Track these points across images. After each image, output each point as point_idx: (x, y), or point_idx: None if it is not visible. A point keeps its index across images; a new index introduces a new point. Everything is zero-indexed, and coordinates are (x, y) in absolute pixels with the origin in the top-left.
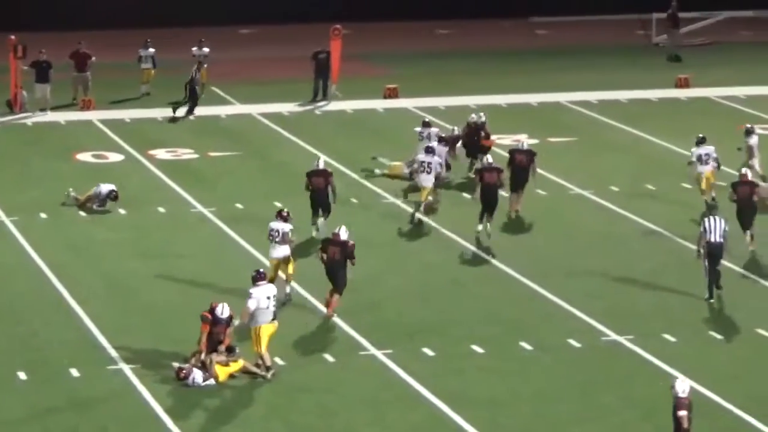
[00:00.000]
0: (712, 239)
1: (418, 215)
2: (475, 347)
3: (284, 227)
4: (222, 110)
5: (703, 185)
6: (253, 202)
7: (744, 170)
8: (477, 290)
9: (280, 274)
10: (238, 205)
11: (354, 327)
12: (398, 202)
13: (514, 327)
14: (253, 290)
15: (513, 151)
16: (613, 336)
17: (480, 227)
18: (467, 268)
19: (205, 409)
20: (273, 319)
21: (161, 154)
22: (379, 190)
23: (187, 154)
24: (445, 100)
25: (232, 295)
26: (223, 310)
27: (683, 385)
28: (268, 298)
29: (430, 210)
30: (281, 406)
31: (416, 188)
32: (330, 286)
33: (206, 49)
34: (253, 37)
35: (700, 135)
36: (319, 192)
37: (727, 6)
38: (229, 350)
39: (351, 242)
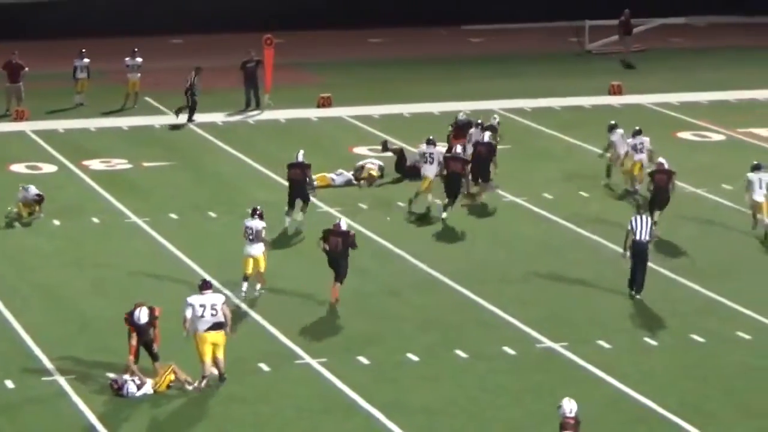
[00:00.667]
0: (638, 238)
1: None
2: (410, 355)
3: (258, 225)
4: (155, 120)
5: (636, 171)
6: (187, 211)
7: (660, 159)
8: (412, 298)
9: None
10: (173, 215)
11: (289, 336)
12: (332, 211)
13: (450, 335)
14: (190, 298)
15: (475, 144)
16: (548, 343)
17: (444, 215)
18: (402, 276)
19: (140, 419)
20: (216, 329)
21: (95, 164)
22: (314, 200)
23: (121, 164)
24: (379, 108)
25: (166, 304)
26: (141, 314)
27: (570, 405)
28: (202, 306)
29: (471, 202)
30: (216, 416)
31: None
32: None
33: (139, 59)
34: (185, 46)
35: (637, 127)
36: (296, 183)
37: (661, 14)
38: (154, 356)
39: (352, 232)
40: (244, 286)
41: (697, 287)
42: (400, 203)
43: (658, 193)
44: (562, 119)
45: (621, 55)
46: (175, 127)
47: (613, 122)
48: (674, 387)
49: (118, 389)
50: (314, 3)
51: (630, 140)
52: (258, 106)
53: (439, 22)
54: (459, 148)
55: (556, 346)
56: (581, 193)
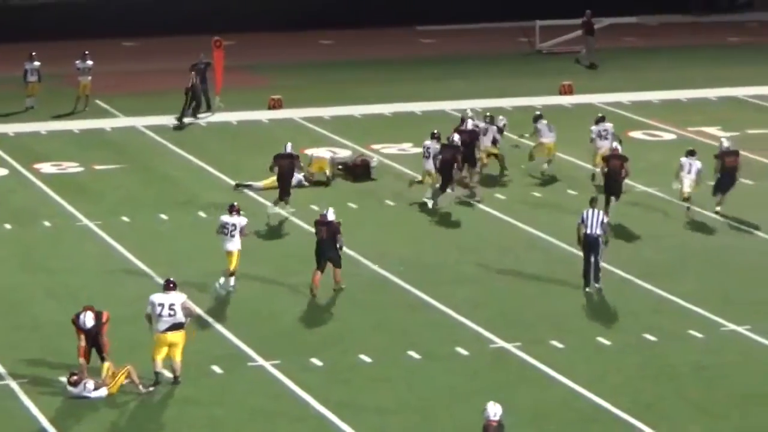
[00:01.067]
0: (590, 231)
1: (426, 200)
2: (363, 357)
3: (240, 221)
4: (106, 123)
5: (597, 159)
6: (138, 214)
7: (615, 144)
8: (365, 299)
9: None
10: (124, 218)
11: (242, 338)
12: (283, 212)
13: (402, 336)
14: (153, 296)
15: (459, 132)
16: (501, 343)
17: (430, 202)
18: (355, 277)
19: (93, 422)
20: (174, 329)
21: (46, 167)
22: (265, 201)
23: (72, 167)
24: (330, 110)
25: (119, 307)
26: (86, 318)
27: (495, 409)
28: (161, 305)
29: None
30: (171, 419)
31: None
32: (314, 265)
33: (90, 62)
34: (136, 49)
35: (600, 114)
36: (283, 174)
37: (612, 13)
38: (102, 357)
39: (338, 221)
40: (232, 281)
41: (649, 286)
42: (352, 204)
43: (610, 179)
44: (514, 119)
45: (583, 55)
46: (125, 130)
47: (538, 113)
48: (627, 386)
49: (76, 382)
50: (264, 5)
51: (593, 127)
52: (209, 109)
53: (391, 22)
54: (456, 137)
55: (509, 347)
56: (534, 193)
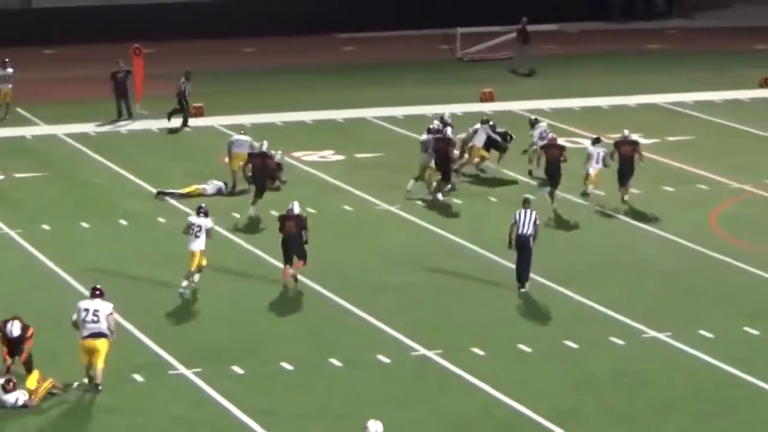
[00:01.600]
0: (521, 231)
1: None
2: (284, 365)
3: (207, 223)
4: (27, 131)
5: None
6: (59, 222)
7: (625, 131)
8: (286, 307)
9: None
10: (45, 227)
11: (162, 346)
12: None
13: (323, 344)
14: (80, 302)
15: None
16: (422, 350)
17: (439, 196)
18: (276, 284)
19: (15, 430)
20: (95, 337)
21: None
22: (186, 209)
23: None
24: (252, 117)
25: (39, 315)
26: (13, 327)
27: (375, 426)
28: (86, 310)
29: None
30: (91, 427)
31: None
32: (283, 258)
33: (10, 70)
34: (56, 57)
35: (533, 117)
36: (256, 173)
37: (532, 20)
38: (27, 368)
39: (304, 215)
40: (184, 283)
41: (570, 293)
42: (274, 212)
43: (624, 163)
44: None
45: (517, 62)
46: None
47: (489, 120)
48: (548, 393)
49: (11, 389)
50: (184, 13)
51: (533, 131)
52: (130, 116)
53: (312, 30)
54: (449, 130)
55: (431, 354)
56: (454, 200)
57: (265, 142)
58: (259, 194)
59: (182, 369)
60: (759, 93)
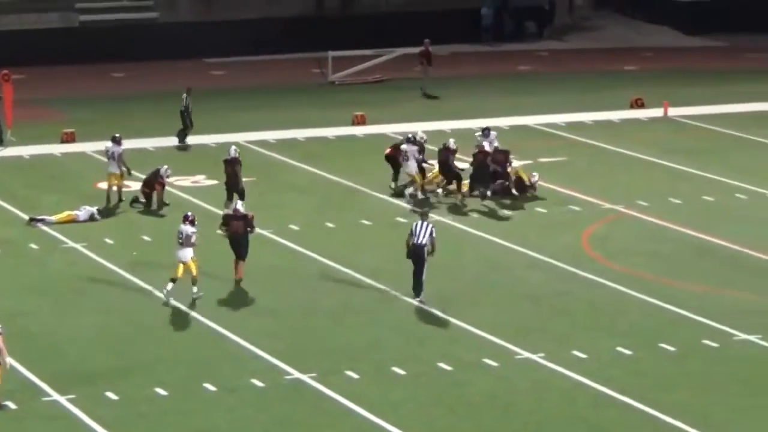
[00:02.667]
0: (416, 241)
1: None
2: (159, 390)
3: (188, 230)
4: None
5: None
6: None
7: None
8: (160, 332)
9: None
10: None
11: (35, 373)
12: (78, 246)
13: (198, 368)
14: None
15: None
16: (297, 374)
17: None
18: (148, 309)
19: None
20: None
21: None
22: (59, 236)
23: None
24: (123, 143)
25: None
26: None
27: None
28: None
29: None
30: None
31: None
32: (234, 256)
33: None
34: None
35: (485, 127)
36: (229, 178)
37: (402, 43)
38: None
39: (250, 214)
40: (169, 285)
41: (444, 316)
42: (146, 237)
43: (477, 170)
44: (307, 150)
45: (422, 82)
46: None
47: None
48: (422, 416)
49: None
50: (53, 39)
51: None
52: (1, 143)
53: (182, 55)
54: (451, 141)
55: (305, 377)
56: (327, 224)
57: (233, 147)
58: (233, 198)
59: (56, 395)
60: (630, 114)
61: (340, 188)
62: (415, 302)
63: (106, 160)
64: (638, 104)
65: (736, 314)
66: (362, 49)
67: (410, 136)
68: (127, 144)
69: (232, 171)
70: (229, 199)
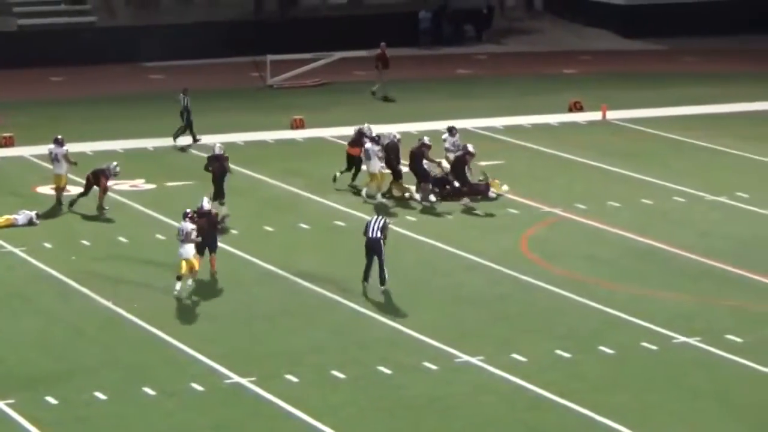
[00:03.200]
0: (371, 235)
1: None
2: (98, 394)
3: (188, 227)
4: None
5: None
6: None
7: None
8: (97, 336)
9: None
10: None
11: None
12: (17, 251)
13: (136, 372)
14: None
15: None
16: (236, 378)
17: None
18: (87, 314)
19: None
20: None
21: None
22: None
23: None
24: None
25: None
26: None
27: None
28: None
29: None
30: None
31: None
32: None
33: None
34: None
35: (450, 124)
36: (215, 176)
37: (341, 47)
38: None
39: (214, 211)
40: (177, 285)
41: (384, 319)
42: (85, 242)
43: (455, 167)
44: (247, 154)
45: (379, 87)
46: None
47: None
48: (362, 418)
49: None
50: None
51: (448, 137)
52: None
53: (120, 59)
54: (426, 139)
55: (244, 381)
56: (266, 227)
57: (217, 145)
58: (220, 196)
59: None
60: (568, 117)
61: (279, 192)
62: (354, 305)
63: (50, 163)
64: (577, 107)
65: (675, 317)
66: (301, 53)
67: (376, 136)
68: (67, 148)
69: (219, 167)
70: (215, 199)
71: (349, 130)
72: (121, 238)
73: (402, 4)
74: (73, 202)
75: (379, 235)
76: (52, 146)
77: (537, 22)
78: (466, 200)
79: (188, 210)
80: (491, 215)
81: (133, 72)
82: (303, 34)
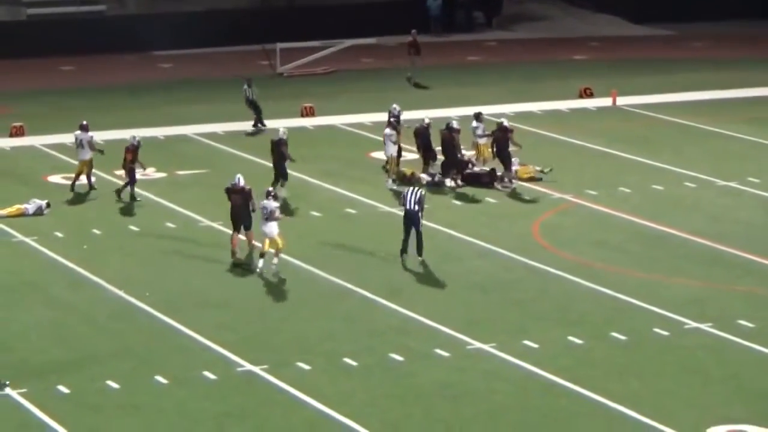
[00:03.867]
0: (409, 207)
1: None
2: (110, 383)
3: (272, 205)
4: None
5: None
6: None
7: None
8: (109, 325)
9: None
10: None
11: None
12: (28, 240)
13: (149, 361)
14: None
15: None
16: (248, 366)
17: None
18: (99, 303)
19: None
20: None
21: None
22: (9, 230)
23: None
24: (72, 136)
25: None
26: None
27: None
28: None
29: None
30: None
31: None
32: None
33: None
34: None
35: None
36: (275, 159)
37: (350, 34)
38: None
39: (248, 187)
40: (260, 262)
41: (395, 306)
42: (96, 231)
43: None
44: (256, 142)
45: (410, 72)
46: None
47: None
48: (375, 407)
49: None
50: (1, 33)
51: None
52: None
53: (129, 48)
54: (454, 122)
55: (257, 369)
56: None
57: (282, 130)
58: (283, 177)
59: (7, 390)
60: (578, 103)
61: (289, 180)
62: (366, 292)
63: (75, 149)
64: (587, 94)
65: (687, 303)
66: (310, 40)
67: (391, 119)
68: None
69: (278, 152)
70: (276, 180)
71: (359, 118)
72: (132, 227)
73: None
74: (119, 191)
75: (416, 207)
76: (78, 132)
77: (547, 8)
78: (502, 184)
79: (270, 188)
80: (502, 202)
81: (143, 61)
82: (312, 21)
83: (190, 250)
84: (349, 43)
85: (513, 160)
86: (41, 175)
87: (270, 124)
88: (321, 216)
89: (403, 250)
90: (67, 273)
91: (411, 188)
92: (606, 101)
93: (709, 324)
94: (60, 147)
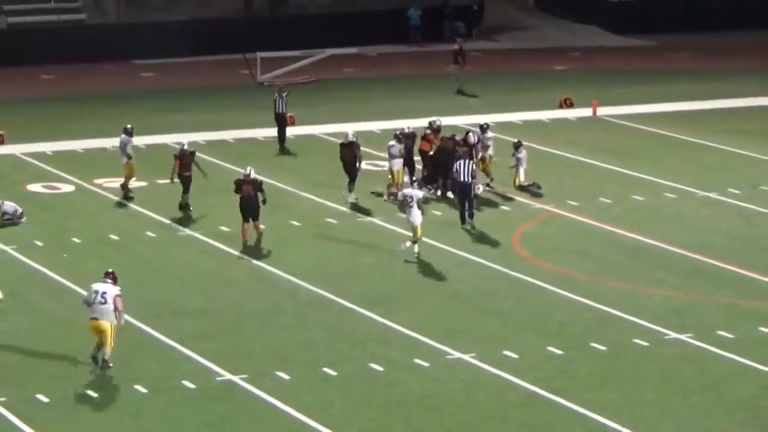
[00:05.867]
0: (463, 179)
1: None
2: (89, 392)
3: (418, 194)
4: None
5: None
6: None
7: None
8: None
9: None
10: None
11: None
12: (8, 249)
13: (127, 369)
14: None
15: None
16: (228, 375)
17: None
18: (78, 311)
19: None
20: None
21: None
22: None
23: None
24: (53, 145)
25: None
26: None
27: None
28: (96, 292)
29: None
30: None
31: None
32: (241, 218)
33: None
34: None
35: (484, 123)
36: (347, 161)
37: (331, 44)
38: None
39: (259, 179)
40: (416, 247)
41: (375, 316)
42: (76, 239)
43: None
44: (238, 151)
45: (457, 82)
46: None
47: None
48: (354, 416)
49: None
50: None
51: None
52: None
53: (110, 57)
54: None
55: (236, 378)
56: (260, 225)
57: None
58: (353, 181)
59: None
60: (558, 113)
61: (269, 189)
62: (345, 302)
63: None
64: (567, 104)
65: (667, 313)
66: (290, 50)
67: (397, 132)
68: (58, 146)
69: (350, 154)
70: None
71: (341, 127)
72: (112, 236)
73: (391, 1)
74: (183, 207)
75: (470, 179)
76: (123, 136)
77: (528, 18)
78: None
79: (414, 177)
80: (482, 211)
81: (124, 70)
82: (292, 31)
83: (169, 259)
84: (329, 52)
85: (520, 169)
86: (21, 183)
87: (249, 133)
88: (301, 225)
89: (463, 219)
90: (47, 281)
91: (462, 161)
92: (587, 111)
93: (689, 335)
94: (40, 155)
